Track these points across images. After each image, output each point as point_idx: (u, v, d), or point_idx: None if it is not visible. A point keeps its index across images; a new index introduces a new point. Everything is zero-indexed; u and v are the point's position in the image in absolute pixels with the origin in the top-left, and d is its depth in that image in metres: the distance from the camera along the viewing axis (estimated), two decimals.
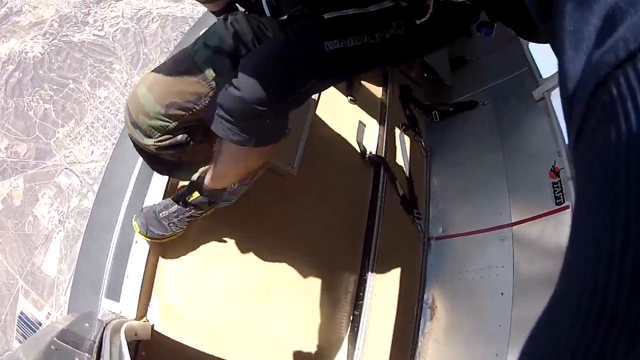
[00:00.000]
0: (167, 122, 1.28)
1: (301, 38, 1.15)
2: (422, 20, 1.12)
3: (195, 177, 1.54)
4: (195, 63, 1.21)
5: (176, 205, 1.59)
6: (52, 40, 6.19)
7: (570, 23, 0.29)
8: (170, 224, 1.60)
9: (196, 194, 1.54)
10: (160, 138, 1.31)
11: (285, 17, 1.15)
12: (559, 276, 0.27)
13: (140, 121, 1.29)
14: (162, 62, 1.34)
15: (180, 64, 1.25)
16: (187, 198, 1.56)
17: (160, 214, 1.60)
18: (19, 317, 4.12)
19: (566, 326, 0.24)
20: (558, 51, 0.31)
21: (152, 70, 1.31)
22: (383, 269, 2.11)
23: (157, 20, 4.57)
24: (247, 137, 1.22)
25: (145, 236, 1.62)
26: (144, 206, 1.70)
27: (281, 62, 1.15)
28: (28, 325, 4.07)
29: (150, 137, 1.31)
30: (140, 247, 1.63)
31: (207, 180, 1.51)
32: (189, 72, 1.21)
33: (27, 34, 6.39)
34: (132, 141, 1.38)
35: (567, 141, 2.16)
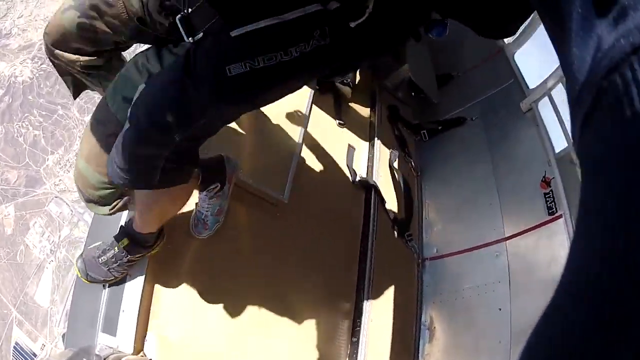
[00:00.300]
0: (114, 187, 1.25)
1: (201, 61, 0.99)
2: (358, 22, 0.96)
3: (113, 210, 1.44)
4: (120, 122, 1.11)
5: (112, 251, 1.53)
6: (40, 64, 6.17)
7: (579, 10, 0.29)
8: (111, 269, 1.56)
9: (125, 240, 1.50)
10: (114, 204, 1.30)
11: (200, 34, 1.00)
12: (563, 274, 0.26)
13: (90, 194, 1.27)
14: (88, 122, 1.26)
15: (106, 126, 1.18)
16: (119, 244, 1.51)
17: (99, 259, 1.56)
18: (14, 347, 4.07)
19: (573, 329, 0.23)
20: (564, 38, 0.30)
21: (83, 139, 1.26)
22: (379, 293, 2.11)
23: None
24: (134, 178, 1.10)
25: (86, 280, 1.59)
26: (86, 248, 1.67)
27: (173, 92, 1.01)
28: (23, 356, 4.02)
29: (106, 204, 1.30)
30: (135, 281, 1.63)
31: (134, 225, 1.48)
32: (117, 133, 1.11)
33: (16, 58, 6.37)
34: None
35: (556, 150, 2.18)
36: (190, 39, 1.00)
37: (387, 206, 2.38)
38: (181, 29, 1.00)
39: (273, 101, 1.19)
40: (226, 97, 1.03)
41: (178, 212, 1.57)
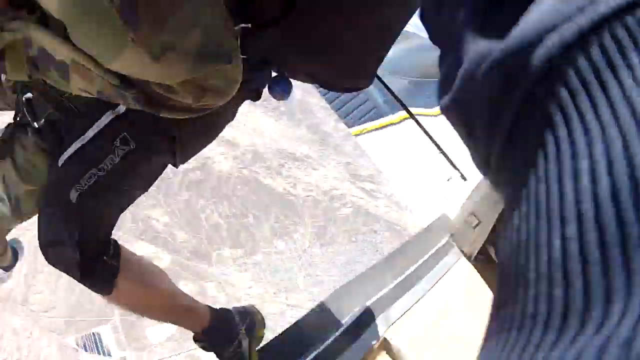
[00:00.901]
0: None
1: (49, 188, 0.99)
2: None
3: None
4: None
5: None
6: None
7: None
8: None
9: (199, 343, 1.30)
10: None
11: (42, 121, 0.93)
12: None
13: None
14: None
15: None
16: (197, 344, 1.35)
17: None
18: None
19: None
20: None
21: None
22: None
23: (350, 206, 4.93)
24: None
25: None
26: None
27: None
28: None
29: None
30: None
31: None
32: None
33: None
34: None
35: None
36: (35, 123, 0.95)
37: None
38: (26, 113, 0.94)
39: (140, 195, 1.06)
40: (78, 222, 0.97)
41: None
